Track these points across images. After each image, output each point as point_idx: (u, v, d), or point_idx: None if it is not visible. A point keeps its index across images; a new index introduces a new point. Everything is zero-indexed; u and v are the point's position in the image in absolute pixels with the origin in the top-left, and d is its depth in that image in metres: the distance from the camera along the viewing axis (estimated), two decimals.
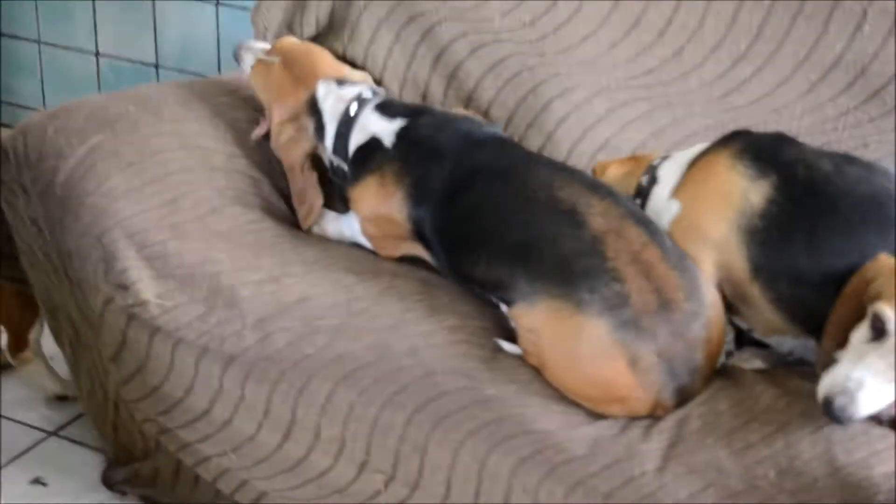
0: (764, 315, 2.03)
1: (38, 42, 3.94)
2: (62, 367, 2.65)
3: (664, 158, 2.22)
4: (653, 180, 2.19)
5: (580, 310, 1.89)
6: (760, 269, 2.00)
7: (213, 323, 2.07)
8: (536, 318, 1.95)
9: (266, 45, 2.44)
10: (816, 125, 2.46)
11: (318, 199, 2.28)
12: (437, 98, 2.55)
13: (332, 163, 2.29)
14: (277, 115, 2.30)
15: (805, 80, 2.49)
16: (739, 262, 2.02)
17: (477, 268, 2.06)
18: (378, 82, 2.57)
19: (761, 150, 2.07)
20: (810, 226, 1.98)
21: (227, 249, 2.14)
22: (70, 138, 2.22)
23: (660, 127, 2.53)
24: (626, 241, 1.94)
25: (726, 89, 2.54)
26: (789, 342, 2.05)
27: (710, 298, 1.96)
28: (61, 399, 2.80)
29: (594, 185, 2.06)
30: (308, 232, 2.32)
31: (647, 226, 1.99)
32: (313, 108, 2.30)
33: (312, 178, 2.28)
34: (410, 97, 2.56)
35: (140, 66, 3.77)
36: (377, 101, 2.30)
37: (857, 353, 1.76)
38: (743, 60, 2.53)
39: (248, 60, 2.39)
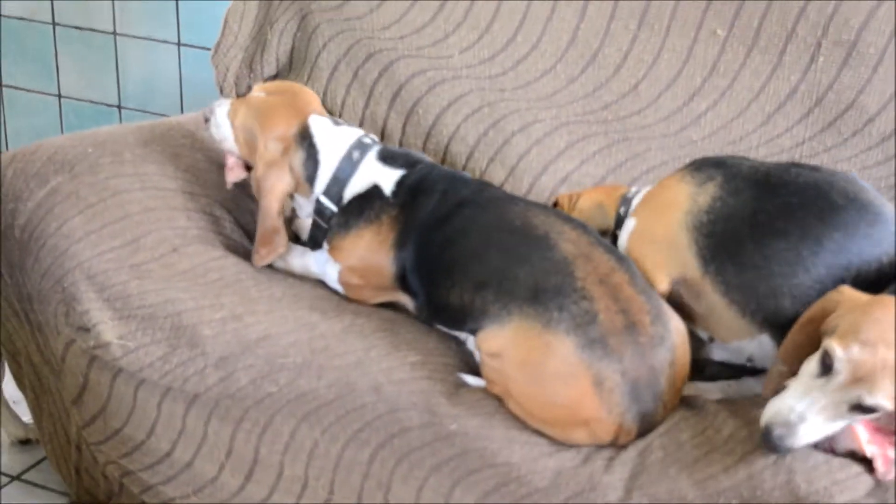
0: (719, 313, 2.05)
1: (0, 85, 3.93)
2: (25, 411, 2.63)
3: (638, 191, 2.28)
4: (627, 212, 2.25)
5: (549, 328, 1.91)
6: (709, 261, 2.04)
7: (175, 363, 2.06)
8: (505, 339, 1.96)
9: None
10: (773, 156, 2.48)
11: (284, 245, 2.25)
12: (396, 135, 2.56)
13: (318, 202, 2.25)
14: (264, 144, 2.24)
15: (761, 112, 2.52)
16: (690, 258, 2.07)
17: (452, 293, 2.06)
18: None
19: (711, 162, 2.14)
20: (752, 211, 2.03)
21: (189, 288, 2.13)
22: (29, 181, 2.21)
23: (618, 162, 2.56)
24: (594, 264, 1.98)
25: (682, 124, 2.56)
26: (747, 346, 2.06)
27: (675, 325, 1.98)
28: (24, 443, 2.78)
29: (567, 218, 2.11)
30: (266, 265, 2.29)
31: (615, 254, 2.04)
32: (304, 139, 2.25)
33: (281, 219, 2.25)
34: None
35: (103, 107, 3.77)
36: (378, 147, 2.28)
37: (804, 386, 1.77)
38: (698, 95, 2.56)
39: (222, 108, 2.32)
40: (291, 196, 2.27)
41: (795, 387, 1.79)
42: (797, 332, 1.86)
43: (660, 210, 2.16)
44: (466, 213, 2.12)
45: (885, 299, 1.79)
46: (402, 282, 2.18)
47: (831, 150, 2.47)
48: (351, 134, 2.28)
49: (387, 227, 2.17)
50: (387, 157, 2.26)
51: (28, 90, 3.89)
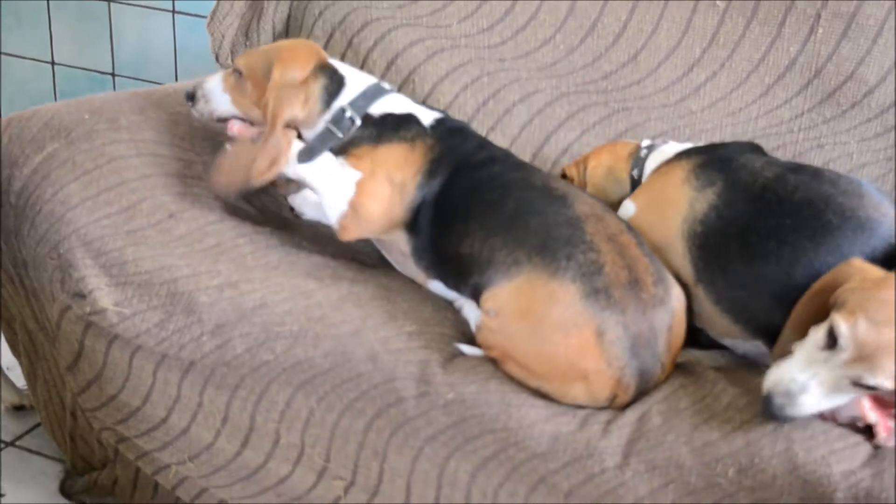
0: (711, 317, 2.07)
1: None
2: (19, 378, 2.63)
3: (649, 149, 2.30)
4: (642, 174, 2.28)
5: (555, 277, 1.92)
6: (701, 272, 2.06)
7: (171, 329, 2.05)
8: (509, 292, 1.96)
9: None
10: (772, 127, 2.48)
11: (284, 160, 2.16)
12: None
13: (338, 111, 2.19)
14: (280, 72, 2.18)
15: (760, 84, 2.52)
16: (685, 266, 2.08)
17: (464, 241, 2.05)
18: None
19: (717, 161, 2.13)
20: (744, 230, 2.03)
21: (186, 255, 2.12)
22: (24, 147, 2.20)
23: (618, 132, 2.56)
24: (604, 224, 2.00)
25: (682, 94, 2.56)
26: (741, 345, 2.08)
27: (677, 292, 2.00)
28: (18, 409, 2.79)
29: (582, 190, 2.16)
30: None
31: (625, 223, 2.06)
32: (327, 70, 2.22)
33: (291, 136, 2.18)
34: None
35: (96, 75, 3.76)
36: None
37: (808, 356, 1.77)
38: (698, 65, 2.55)
39: (213, 80, 2.27)
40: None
41: (799, 355, 1.79)
42: (807, 302, 1.86)
43: (659, 210, 2.15)
44: (496, 169, 2.13)
45: (891, 277, 1.79)
46: (414, 215, 2.15)
47: (830, 122, 2.47)
48: (374, 78, 2.29)
49: (420, 151, 2.15)
50: (419, 102, 2.27)
51: (22, 57, 3.88)
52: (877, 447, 1.78)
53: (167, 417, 2.13)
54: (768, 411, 1.78)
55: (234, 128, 2.26)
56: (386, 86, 2.26)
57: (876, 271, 1.82)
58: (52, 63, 3.83)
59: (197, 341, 2.04)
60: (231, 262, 2.14)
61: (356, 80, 2.24)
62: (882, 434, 1.77)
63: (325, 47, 2.60)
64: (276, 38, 2.70)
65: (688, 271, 2.07)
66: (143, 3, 3.58)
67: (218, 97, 2.26)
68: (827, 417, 1.81)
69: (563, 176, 2.43)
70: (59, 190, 2.15)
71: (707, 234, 2.06)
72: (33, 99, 3.74)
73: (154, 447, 2.17)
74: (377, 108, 2.21)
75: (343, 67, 2.26)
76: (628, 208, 2.20)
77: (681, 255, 2.08)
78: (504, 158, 2.18)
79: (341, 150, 2.18)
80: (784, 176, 2.06)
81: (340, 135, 2.18)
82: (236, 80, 2.23)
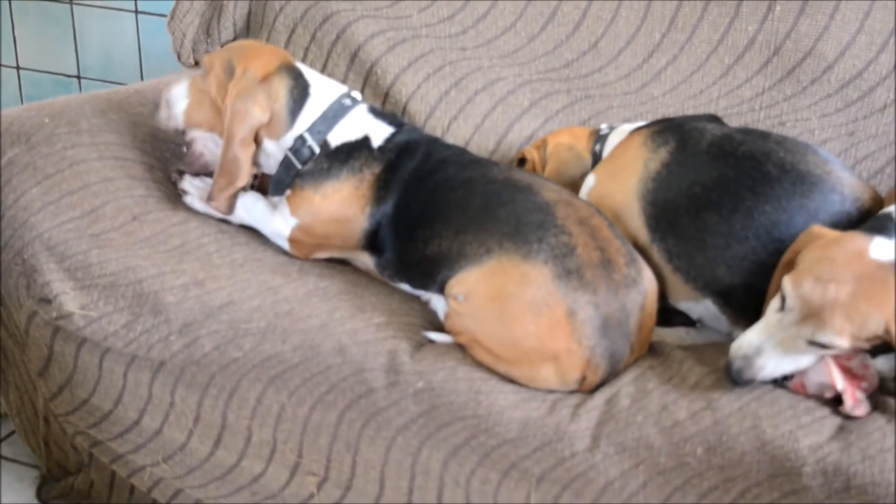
0: (665, 278, 2.09)
1: None
2: None
3: (610, 128, 2.36)
4: (603, 149, 2.33)
5: (527, 258, 1.93)
6: (654, 230, 2.10)
7: (139, 331, 2.05)
8: (479, 276, 1.97)
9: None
10: (733, 107, 2.49)
11: (244, 179, 2.17)
12: None
13: (298, 139, 2.18)
14: (242, 70, 2.17)
15: (720, 64, 2.53)
16: (640, 227, 2.12)
17: (430, 244, 2.06)
18: None
19: (673, 126, 2.17)
20: (691, 184, 2.07)
21: (151, 255, 2.12)
22: None
23: (581, 120, 2.57)
24: (574, 208, 2.02)
25: (643, 81, 2.57)
26: (694, 308, 2.10)
27: (648, 274, 2.02)
28: None
29: (547, 179, 2.16)
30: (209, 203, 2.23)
31: (593, 206, 2.08)
32: (292, 71, 2.21)
33: (249, 153, 2.17)
34: None
35: (62, 78, 3.74)
36: (368, 104, 2.27)
37: (766, 321, 1.82)
38: (658, 50, 2.56)
39: (180, 85, 2.26)
40: (258, 142, 2.20)
41: (760, 321, 1.82)
42: (777, 273, 1.90)
43: (617, 174, 2.19)
44: (449, 171, 2.13)
45: (845, 237, 1.81)
46: (371, 238, 2.17)
47: (791, 99, 2.48)
48: (342, 86, 2.27)
49: (367, 184, 2.15)
50: (377, 113, 2.25)
51: None
52: (845, 417, 1.79)
53: (139, 419, 2.13)
54: (728, 376, 1.82)
55: (194, 147, 2.27)
56: (347, 99, 2.23)
57: (831, 234, 1.84)
58: (17, 68, 3.81)
59: (165, 341, 2.04)
60: (196, 261, 2.13)
61: (321, 91, 2.23)
62: (849, 402, 1.79)
63: (288, 42, 2.61)
64: (237, 35, 2.70)
65: (643, 233, 2.11)
66: (105, 4, 3.57)
67: (179, 102, 2.25)
68: (797, 388, 1.83)
69: (522, 159, 2.44)
70: (21, 195, 2.15)
71: (658, 189, 2.10)
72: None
73: (128, 450, 2.17)
74: (335, 136, 2.19)
75: (308, 72, 2.25)
76: (589, 181, 2.24)
77: (636, 216, 2.12)
78: (457, 159, 2.18)
79: (293, 187, 2.19)
80: (731, 135, 2.13)
81: (299, 165, 2.18)
82: (200, 78, 2.23)
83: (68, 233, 2.12)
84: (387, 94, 2.54)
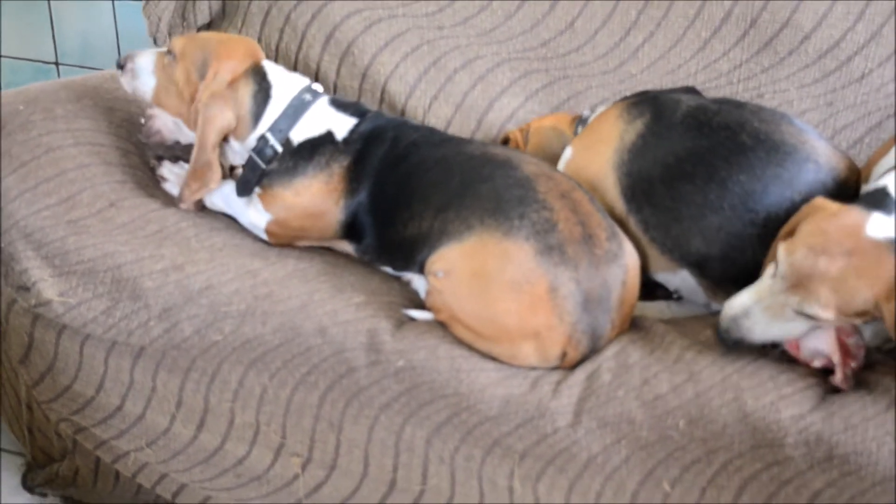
0: (643, 248, 2.09)
1: None
2: None
3: (592, 111, 2.34)
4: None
5: (509, 235, 1.93)
6: (630, 200, 2.10)
7: (118, 316, 2.05)
8: (460, 252, 1.96)
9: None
10: (711, 81, 2.49)
11: (216, 182, 2.20)
12: (331, 77, 2.54)
13: (261, 139, 2.19)
14: (214, 72, 2.19)
15: (697, 39, 2.52)
16: (616, 198, 2.11)
17: (410, 225, 2.06)
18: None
19: (648, 98, 2.17)
20: (665, 154, 2.07)
21: (129, 241, 2.11)
22: None
23: (561, 99, 2.57)
24: (555, 181, 2.01)
25: (621, 59, 2.56)
26: (672, 279, 2.11)
27: (628, 248, 2.01)
28: None
29: (524, 153, 2.17)
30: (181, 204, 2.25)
31: (575, 181, 2.07)
32: (257, 74, 2.22)
33: (216, 154, 2.20)
34: None
35: (41, 65, 3.73)
36: (329, 96, 2.26)
37: (759, 286, 1.83)
38: (634, 28, 2.56)
39: (145, 58, 2.26)
40: (226, 139, 2.22)
41: (753, 285, 1.83)
42: (777, 240, 1.90)
43: (593, 146, 2.19)
44: (422, 152, 2.13)
45: (843, 211, 1.81)
46: (349, 228, 2.17)
47: (768, 71, 2.48)
48: (303, 80, 2.27)
49: (338, 177, 2.15)
50: (338, 104, 2.24)
51: None
52: (830, 388, 1.80)
53: (122, 405, 2.13)
54: (717, 336, 1.84)
55: (153, 122, 2.28)
56: (308, 94, 2.23)
57: (832, 206, 1.83)
58: None
59: (145, 326, 2.04)
60: (175, 245, 2.13)
61: (282, 90, 2.22)
62: (839, 375, 1.80)
63: (263, 25, 2.59)
64: (213, 18, 2.68)
65: (619, 204, 2.11)
66: None
67: (145, 78, 2.25)
68: (791, 347, 1.84)
69: (506, 140, 2.44)
70: None
71: (633, 160, 2.10)
72: None
73: (111, 435, 2.17)
74: (297, 133, 2.20)
75: (272, 72, 2.25)
76: (566, 153, 2.24)
77: (612, 187, 2.12)
78: (427, 139, 2.17)
79: (258, 181, 2.20)
80: (706, 105, 2.13)
81: (263, 165, 2.19)
82: (169, 62, 2.22)
83: (45, 220, 2.12)
84: (364, 75, 2.53)
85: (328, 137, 2.18)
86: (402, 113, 2.52)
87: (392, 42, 2.56)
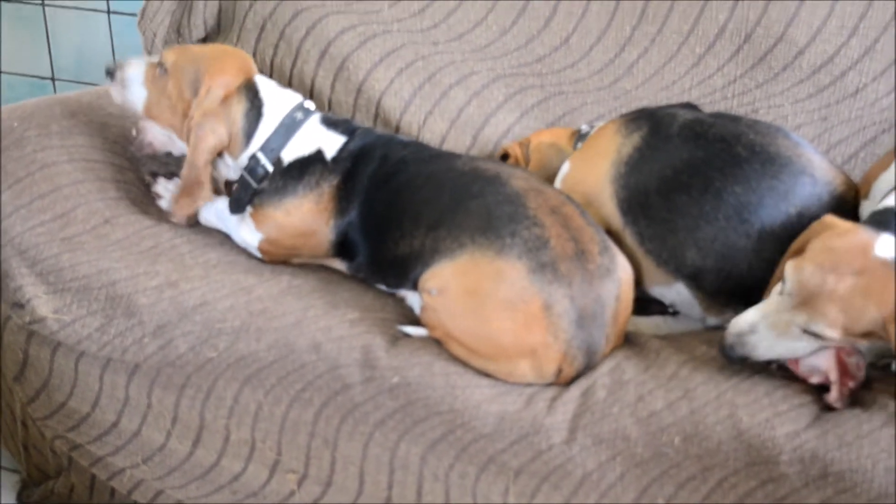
0: (638, 262, 2.09)
1: None
2: None
3: (591, 126, 2.35)
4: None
5: (501, 254, 1.92)
6: (626, 213, 2.10)
7: (113, 333, 2.05)
8: (453, 271, 1.96)
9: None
10: (706, 96, 2.49)
11: (206, 198, 2.21)
12: (325, 92, 2.54)
13: (252, 159, 2.19)
14: (207, 88, 2.18)
15: (691, 54, 2.53)
16: (613, 211, 2.12)
17: (402, 244, 2.06)
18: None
19: (646, 114, 2.17)
20: (662, 166, 2.08)
21: (123, 258, 2.12)
22: None
23: (556, 115, 2.57)
24: (545, 197, 2.01)
25: (615, 76, 2.57)
26: (667, 293, 2.11)
27: (621, 261, 2.01)
28: None
29: (513, 166, 2.15)
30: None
31: (564, 193, 2.07)
32: (250, 91, 2.22)
33: (208, 172, 2.20)
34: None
35: (37, 80, 3.73)
36: (320, 113, 2.26)
37: (766, 302, 1.82)
38: (629, 44, 2.56)
39: (135, 69, 2.25)
40: (220, 154, 2.22)
41: (761, 302, 1.82)
42: (785, 258, 1.90)
43: (591, 160, 2.19)
44: (410, 169, 2.12)
45: (852, 230, 1.80)
46: (340, 246, 2.17)
47: (763, 86, 2.48)
48: (295, 97, 2.27)
49: (328, 196, 2.15)
50: (330, 123, 2.24)
51: None
52: (824, 406, 1.80)
53: (117, 421, 2.13)
54: (722, 351, 1.83)
55: (145, 135, 2.27)
56: (299, 112, 2.23)
57: (843, 224, 1.83)
58: None
59: (139, 343, 2.04)
60: (169, 262, 2.13)
61: (273, 108, 2.22)
62: (835, 394, 1.79)
63: (258, 40, 2.60)
64: (208, 33, 2.69)
65: (615, 217, 2.11)
66: (78, 4, 3.56)
67: (135, 89, 2.25)
68: (791, 363, 1.83)
69: (505, 155, 2.44)
70: None
71: (630, 173, 2.10)
72: None
73: (107, 452, 2.17)
74: (288, 152, 2.19)
75: (264, 88, 2.24)
76: (564, 168, 2.24)
77: (609, 200, 2.12)
78: (416, 156, 2.17)
79: (250, 200, 2.21)
80: (702, 118, 2.13)
81: (255, 184, 2.19)
82: (160, 75, 2.22)
83: (40, 236, 2.12)
84: (359, 90, 2.53)
85: (318, 156, 2.18)
86: (397, 128, 2.52)
87: (387, 58, 2.56)
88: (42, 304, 2.07)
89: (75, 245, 2.12)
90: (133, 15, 3.43)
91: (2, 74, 3.80)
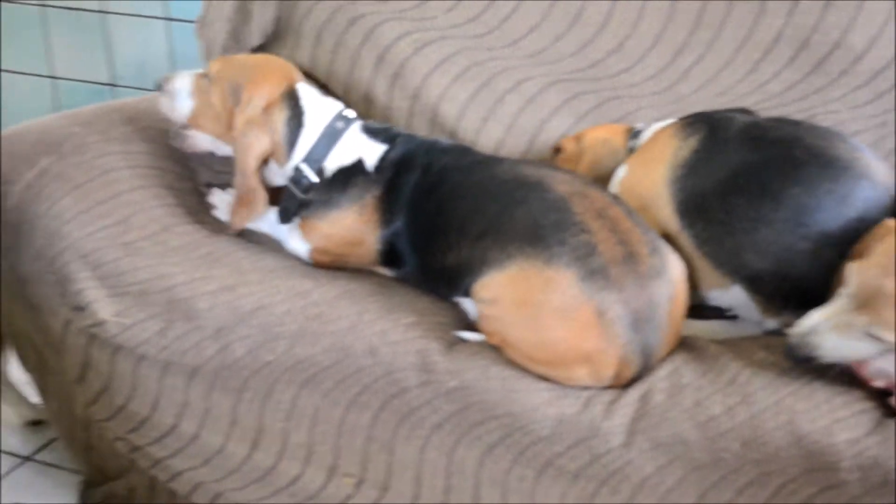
0: (695, 265, 2.08)
1: None
2: (34, 393, 2.64)
3: (647, 125, 2.34)
4: (636, 146, 2.31)
5: (550, 263, 1.91)
6: (683, 216, 2.09)
7: (172, 337, 2.07)
8: (502, 282, 1.96)
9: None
10: (762, 102, 2.47)
11: (263, 205, 2.22)
12: (382, 99, 2.55)
13: (296, 170, 2.21)
14: (248, 97, 2.20)
15: (748, 61, 2.51)
16: (670, 215, 2.11)
17: (449, 255, 2.06)
18: (324, 88, 2.57)
19: (703, 117, 2.17)
20: (718, 168, 2.06)
21: (181, 263, 2.14)
22: (17, 163, 2.21)
23: (611, 120, 2.56)
24: (590, 200, 1.99)
25: (671, 80, 2.56)
26: (723, 296, 2.10)
27: (673, 260, 2.00)
28: (35, 424, 2.80)
29: (556, 168, 2.14)
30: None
31: (609, 193, 2.06)
32: (291, 99, 2.23)
33: (258, 179, 2.21)
34: (354, 100, 2.57)
35: (96, 87, 3.77)
36: (360, 121, 2.27)
37: (832, 304, 1.80)
38: (685, 49, 2.55)
39: (184, 80, 2.28)
40: (265, 161, 2.23)
41: (826, 304, 1.81)
42: (846, 263, 1.88)
43: (648, 164, 2.19)
44: (454, 179, 2.12)
45: None
46: (388, 255, 2.19)
47: (820, 92, 2.46)
48: (335, 105, 2.28)
49: (371, 207, 2.16)
50: (370, 131, 2.25)
51: (21, 73, 3.89)
52: (888, 411, 1.79)
53: (177, 424, 2.14)
54: (786, 352, 1.82)
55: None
56: (340, 122, 2.24)
57: None
58: (52, 77, 3.84)
59: (198, 347, 2.06)
60: (227, 267, 2.15)
61: (314, 117, 2.23)
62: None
63: (314, 47, 2.61)
64: (266, 40, 2.70)
65: (673, 220, 2.10)
66: (136, 12, 3.59)
67: (183, 100, 2.27)
68: (857, 365, 1.82)
69: (558, 149, 2.43)
70: (53, 205, 2.17)
71: (687, 176, 2.10)
72: (35, 114, 3.75)
73: (166, 454, 2.19)
74: (331, 161, 2.21)
75: (305, 96, 2.25)
76: (620, 172, 2.23)
77: (666, 204, 2.11)
78: (457, 163, 2.17)
79: (302, 216, 2.23)
80: (760, 122, 2.14)
81: (300, 195, 2.21)
82: (206, 85, 2.25)
83: (100, 241, 2.14)
84: (416, 97, 2.54)
85: (359, 167, 2.19)
86: (453, 135, 2.52)
87: (443, 64, 2.57)
88: (103, 307, 2.10)
89: (135, 250, 2.15)
90: (191, 22, 3.46)
91: (61, 81, 3.84)
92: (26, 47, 3.84)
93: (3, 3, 3.79)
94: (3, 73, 3.94)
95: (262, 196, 2.21)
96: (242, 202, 2.21)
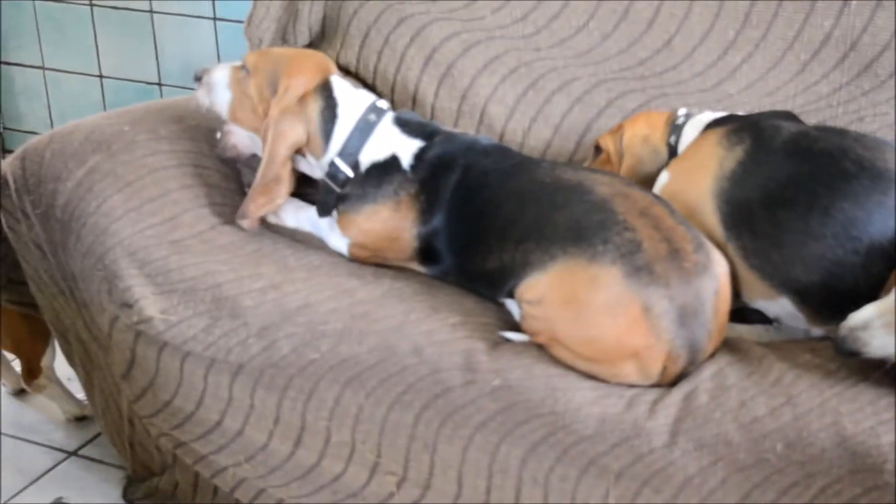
0: (741, 276, 2.07)
1: (43, 68, 3.97)
2: (79, 389, 2.67)
3: (687, 117, 2.32)
4: (678, 141, 2.30)
5: (594, 261, 1.91)
6: (730, 227, 2.07)
7: (218, 334, 2.08)
8: (547, 282, 1.96)
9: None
10: (810, 104, 2.46)
11: (283, 197, 2.23)
12: (429, 99, 2.56)
13: (332, 165, 2.22)
14: (285, 87, 2.22)
15: (796, 61, 2.50)
16: (715, 225, 2.09)
17: (490, 259, 2.07)
18: (371, 87, 2.58)
19: (748, 124, 2.14)
20: (766, 180, 2.04)
21: (228, 261, 2.15)
22: (67, 161, 2.24)
23: None
24: (632, 199, 2.00)
25: (718, 78, 2.55)
26: (771, 307, 2.08)
27: (718, 256, 2.00)
28: (80, 420, 2.83)
29: (595, 170, 2.13)
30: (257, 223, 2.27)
31: (650, 193, 2.05)
32: (325, 91, 2.24)
33: (287, 171, 2.22)
34: (401, 100, 2.58)
35: (144, 86, 3.80)
36: (392, 113, 2.28)
37: (884, 300, 1.79)
38: (732, 48, 2.54)
39: (221, 72, 2.30)
40: (302, 154, 2.24)
41: (880, 301, 1.80)
42: None
43: (692, 173, 2.17)
44: (494, 184, 2.13)
45: None
46: (425, 253, 2.19)
47: (869, 94, 2.45)
48: (367, 97, 2.28)
49: (406, 204, 2.17)
50: (402, 124, 2.25)
51: (70, 72, 3.93)
52: None
53: (221, 421, 2.16)
54: (834, 345, 1.81)
55: (230, 138, 2.31)
56: (372, 114, 2.24)
57: None
58: (100, 76, 3.88)
59: (243, 344, 2.07)
60: (273, 265, 2.16)
61: (347, 109, 2.24)
62: None
63: (362, 46, 2.62)
64: (312, 39, 2.72)
65: (718, 231, 2.09)
66: (183, 12, 3.62)
67: (221, 92, 2.29)
68: None
69: (598, 147, 2.42)
70: (103, 202, 2.19)
71: (733, 188, 2.08)
72: (83, 113, 3.78)
73: (210, 450, 2.20)
74: (365, 156, 2.22)
75: (338, 89, 2.26)
76: (663, 178, 2.22)
77: (711, 215, 2.10)
78: (498, 166, 2.16)
79: (339, 210, 2.24)
80: (807, 132, 2.10)
81: (337, 189, 2.22)
82: (243, 76, 2.26)
83: (148, 239, 2.16)
84: (464, 97, 2.55)
85: (394, 163, 2.20)
86: (502, 135, 2.53)
87: (491, 64, 2.58)
88: (150, 304, 2.11)
89: (183, 248, 2.16)
90: (237, 22, 3.49)
91: (109, 80, 3.87)
92: (75, 47, 3.88)
93: (54, 3, 3.83)
94: (49, 73, 3.98)
95: (284, 186, 2.21)
96: (263, 190, 2.20)
